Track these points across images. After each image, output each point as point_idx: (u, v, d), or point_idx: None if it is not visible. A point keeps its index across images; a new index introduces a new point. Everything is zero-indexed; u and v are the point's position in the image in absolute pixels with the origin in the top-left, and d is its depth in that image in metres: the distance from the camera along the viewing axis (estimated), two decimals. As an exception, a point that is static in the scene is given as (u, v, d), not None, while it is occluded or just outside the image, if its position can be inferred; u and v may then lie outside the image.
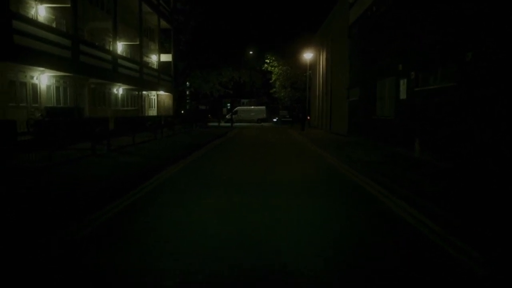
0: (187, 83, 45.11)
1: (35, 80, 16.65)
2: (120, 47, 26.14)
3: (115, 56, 21.84)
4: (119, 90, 25.61)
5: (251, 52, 51.64)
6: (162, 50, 34.26)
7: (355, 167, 9.88)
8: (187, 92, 50.81)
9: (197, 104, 54.52)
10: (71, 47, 16.76)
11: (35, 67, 15.61)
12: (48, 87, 17.69)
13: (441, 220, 5.07)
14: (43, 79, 17.10)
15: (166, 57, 34.47)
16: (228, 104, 64.45)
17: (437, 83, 10.70)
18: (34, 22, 15.19)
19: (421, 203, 5.94)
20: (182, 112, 48.57)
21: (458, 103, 9.39)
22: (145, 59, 31.94)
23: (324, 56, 29.78)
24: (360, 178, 8.35)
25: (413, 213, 5.47)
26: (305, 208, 5.86)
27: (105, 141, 13.86)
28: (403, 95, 13.10)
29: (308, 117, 32.96)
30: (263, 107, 50.49)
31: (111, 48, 22.35)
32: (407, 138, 12.69)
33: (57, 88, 18.44)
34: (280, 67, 47.43)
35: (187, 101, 53.37)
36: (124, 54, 26.64)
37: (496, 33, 7.97)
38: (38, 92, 16.83)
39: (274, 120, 49.39)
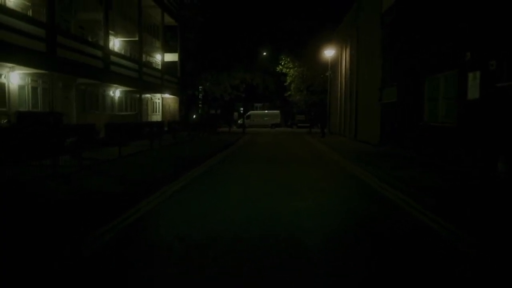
0: (200, 87, 42.01)
1: (2, 79, 13.71)
2: (117, 43, 23.23)
3: (107, 53, 18.85)
4: (115, 92, 22.63)
5: (264, 53, 48.37)
6: (167, 49, 31.25)
7: (429, 207, 6.45)
8: (200, 96, 47.63)
9: (208, 108, 51.25)
10: (46, 39, 13.75)
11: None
12: (21, 87, 14.74)
13: None
14: (13, 77, 14.14)
15: (171, 57, 31.41)
16: (241, 108, 61.13)
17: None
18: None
19: None
20: (194, 116, 45.52)
21: None
22: (148, 58, 29.05)
23: (348, 53, 26.29)
24: (450, 231, 4.89)
25: None
26: None
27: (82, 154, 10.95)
28: (473, 94, 9.61)
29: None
30: (277, 112, 47.37)
31: (104, 44, 19.37)
32: (480, 153, 9.20)
33: (34, 89, 15.48)
34: (296, 68, 44.11)
35: (200, 105, 50.17)
36: (123, 52, 23.73)
37: None
38: (7, 93, 13.87)
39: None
